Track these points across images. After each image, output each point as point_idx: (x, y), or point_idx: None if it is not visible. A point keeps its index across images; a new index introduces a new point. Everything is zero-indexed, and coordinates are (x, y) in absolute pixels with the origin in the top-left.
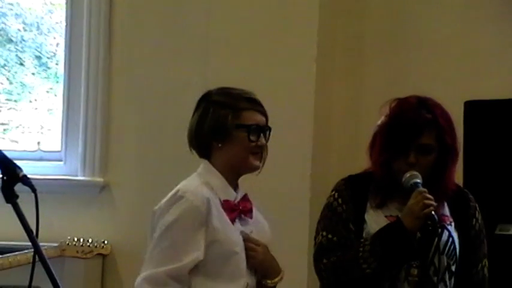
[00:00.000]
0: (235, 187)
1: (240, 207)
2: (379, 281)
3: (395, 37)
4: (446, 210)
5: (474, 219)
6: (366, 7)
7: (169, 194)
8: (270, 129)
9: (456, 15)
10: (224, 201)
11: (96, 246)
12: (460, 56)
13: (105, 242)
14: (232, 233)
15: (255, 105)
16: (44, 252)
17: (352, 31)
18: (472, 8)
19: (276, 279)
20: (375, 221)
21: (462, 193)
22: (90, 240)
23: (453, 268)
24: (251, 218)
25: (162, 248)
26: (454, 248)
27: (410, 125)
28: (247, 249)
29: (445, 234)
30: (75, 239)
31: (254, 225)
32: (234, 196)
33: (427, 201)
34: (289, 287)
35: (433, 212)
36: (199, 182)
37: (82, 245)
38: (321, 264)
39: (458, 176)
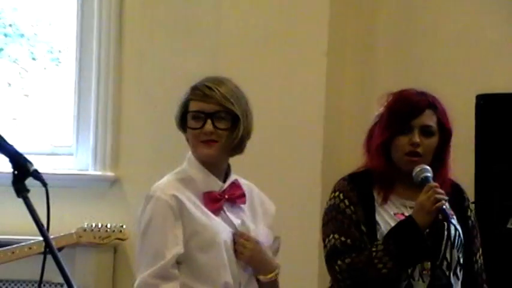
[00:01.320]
0: (224, 175)
1: (226, 196)
2: (395, 280)
3: (406, 31)
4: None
5: (469, 210)
6: (376, 1)
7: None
8: (234, 115)
9: (468, 8)
10: (205, 193)
11: (114, 231)
12: (472, 50)
13: (123, 226)
14: (211, 222)
15: (198, 92)
16: (54, 246)
17: (363, 26)
18: (484, 1)
19: (270, 276)
20: (385, 221)
21: (456, 186)
22: (107, 225)
23: (461, 260)
24: (244, 203)
25: (145, 251)
26: (461, 240)
27: (412, 105)
28: (236, 244)
29: (452, 228)
30: (93, 225)
31: (245, 211)
32: (218, 186)
33: (438, 196)
34: (300, 281)
35: (444, 206)
36: (172, 178)
37: (99, 230)
38: (335, 266)
39: (470, 169)
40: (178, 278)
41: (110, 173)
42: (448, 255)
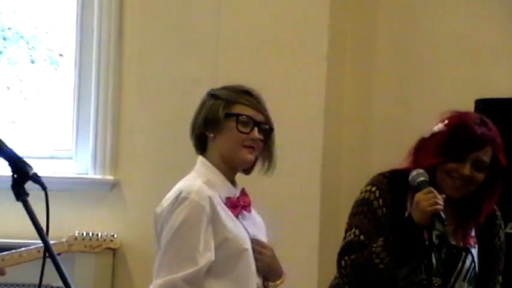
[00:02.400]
0: (233, 183)
1: (241, 203)
2: (393, 279)
3: (406, 34)
4: (472, 231)
5: (497, 238)
6: (377, 4)
7: (171, 196)
8: (271, 129)
9: (468, 13)
10: (226, 198)
11: (104, 240)
12: (471, 54)
13: (114, 235)
14: (240, 230)
15: (251, 99)
16: (53, 249)
17: (363, 28)
18: (484, 5)
19: (278, 282)
20: None
21: (492, 213)
22: (98, 234)
23: None
24: (250, 211)
25: (174, 252)
26: (475, 273)
27: (475, 138)
28: (254, 251)
29: (469, 259)
30: (84, 233)
31: (251, 219)
32: (234, 192)
33: (437, 200)
34: (299, 285)
35: (441, 213)
36: (201, 181)
37: (90, 239)
38: (342, 260)
39: None
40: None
41: (109, 177)
42: (457, 286)
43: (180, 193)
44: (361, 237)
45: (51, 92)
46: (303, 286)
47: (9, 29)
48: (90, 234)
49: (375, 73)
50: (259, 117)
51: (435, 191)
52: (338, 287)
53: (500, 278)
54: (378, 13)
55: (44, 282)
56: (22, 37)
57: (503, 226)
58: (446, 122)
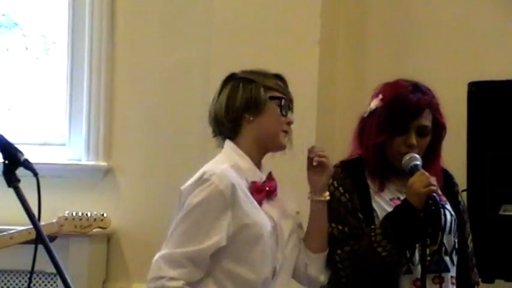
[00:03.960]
0: (259, 165)
1: (267, 188)
2: (395, 263)
3: (398, 19)
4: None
5: (459, 195)
6: None
7: (196, 175)
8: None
9: None
10: (252, 182)
11: (95, 220)
12: (464, 37)
13: (104, 214)
14: (260, 216)
15: (284, 84)
16: (45, 235)
17: (355, 14)
18: None
19: (326, 194)
20: (382, 207)
21: (446, 172)
22: (88, 214)
23: (457, 245)
24: (276, 196)
25: (183, 229)
26: (456, 226)
27: (412, 107)
28: (312, 154)
29: (448, 213)
30: (74, 213)
31: (278, 205)
32: (260, 176)
33: (430, 181)
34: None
35: (435, 194)
36: (227, 165)
37: (80, 219)
38: (335, 255)
39: (462, 156)
40: (205, 269)
41: (102, 163)
42: (445, 241)
43: (204, 174)
44: (339, 227)
45: (45, 78)
46: None
47: (3, 15)
48: (80, 214)
49: (368, 57)
50: (291, 102)
51: (427, 174)
52: (335, 283)
53: (471, 235)
54: None
55: (37, 268)
56: (16, 24)
57: (458, 184)
58: (381, 96)
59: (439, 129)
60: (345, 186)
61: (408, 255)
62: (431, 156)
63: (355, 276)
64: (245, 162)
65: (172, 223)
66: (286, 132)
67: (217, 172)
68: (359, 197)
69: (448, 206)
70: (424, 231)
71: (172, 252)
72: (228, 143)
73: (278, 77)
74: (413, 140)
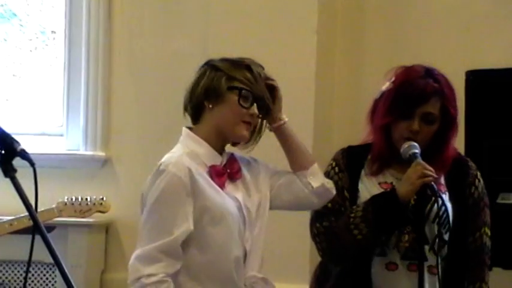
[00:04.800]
0: (220, 152)
1: (228, 170)
2: (369, 246)
3: (396, 7)
4: (441, 179)
5: (473, 187)
6: None
7: (154, 170)
8: (268, 107)
9: None
10: (211, 167)
11: (94, 204)
12: (462, 25)
13: (103, 198)
14: (221, 198)
15: (252, 75)
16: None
17: (353, 2)
18: None
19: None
20: (367, 189)
21: (462, 161)
22: (87, 198)
23: (446, 237)
24: (240, 177)
25: (151, 224)
26: (447, 217)
27: (418, 92)
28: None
29: (438, 202)
30: (73, 198)
31: (244, 186)
32: (219, 160)
33: (426, 172)
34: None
35: (432, 183)
36: (182, 152)
37: (80, 204)
38: (314, 228)
39: (460, 145)
40: (181, 258)
41: (100, 153)
42: (426, 230)
43: (160, 165)
44: (329, 204)
45: (43, 69)
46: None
47: (1, 6)
48: (79, 199)
49: (365, 47)
50: (259, 94)
51: (424, 163)
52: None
53: (487, 230)
54: None
55: (35, 258)
56: (14, 14)
57: (479, 177)
58: (393, 79)
59: (447, 119)
60: (339, 166)
61: (383, 238)
62: (437, 145)
63: (329, 251)
64: (202, 148)
65: (140, 223)
66: (248, 123)
67: (173, 161)
68: (349, 176)
69: (444, 196)
70: (405, 220)
71: (144, 249)
72: (184, 131)
73: (249, 68)
74: (416, 126)
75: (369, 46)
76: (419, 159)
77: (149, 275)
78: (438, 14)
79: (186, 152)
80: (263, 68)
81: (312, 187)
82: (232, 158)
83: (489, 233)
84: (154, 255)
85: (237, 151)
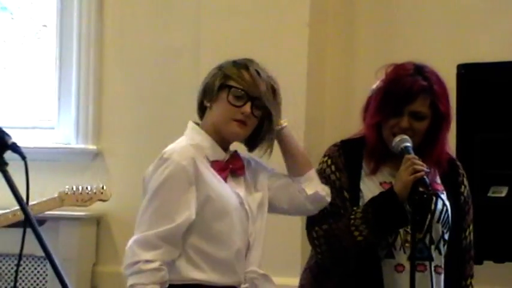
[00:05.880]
0: (225, 148)
1: (230, 166)
2: (372, 248)
3: (387, 1)
4: (438, 179)
5: (463, 186)
6: None
7: (157, 158)
8: (267, 109)
9: None
10: (213, 162)
11: (95, 193)
12: (453, 19)
13: (104, 187)
14: (225, 190)
15: (250, 74)
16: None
17: None
18: None
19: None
20: (369, 189)
21: (451, 161)
22: (88, 187)
23: (446, 236)
24: (242, 174)
25: (153, 210)
26: (448, 216)
27: (405, 90)
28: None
29: (440, 202)
30: (74, 187)
31: (246, 183)
32: (223, 156)
33: (416, 167)
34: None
35: (425, 177)
36: (186, 143)
37: (81, 193)
38: (313, 232)
39: (451, 139)
40: (180, 246)
41: (92, 147)
42: (431, 229)
43: (163, 154)
44: (327, 206)
45: (34, 62)
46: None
47: None
48: (80, 188)
49: (357, 40)
50: (254, 93)
51: (413, 157)
52: (313, 259)
53: (472, 226)
54: None
55: (26, 251)
56: (6, 8)
57: (465, 175)
58: (383, 77)
59: (438, 115)
60: (337, 165)
61: (390, 240)
62: (429, 142)
63: (330, 254)
64: (206, 141)
65: (140, 208)
66: (240, 122)
67: (177, 150)
68: (349, 176)
69: (443, 196)
70: (405, 220)
71: (145, 235)
72: (189, 124)
73: (246, 67)
74: (405, 123)
75: (360, 40)
76: (410, 153)
77: (147, 261)
78: (430, 8)
79: (190, 143)
80: (267, 72)
81: (306, 194)
82: (235, 155)
83: (472, 230)
84: (154, 241)
85: (244, 152)
